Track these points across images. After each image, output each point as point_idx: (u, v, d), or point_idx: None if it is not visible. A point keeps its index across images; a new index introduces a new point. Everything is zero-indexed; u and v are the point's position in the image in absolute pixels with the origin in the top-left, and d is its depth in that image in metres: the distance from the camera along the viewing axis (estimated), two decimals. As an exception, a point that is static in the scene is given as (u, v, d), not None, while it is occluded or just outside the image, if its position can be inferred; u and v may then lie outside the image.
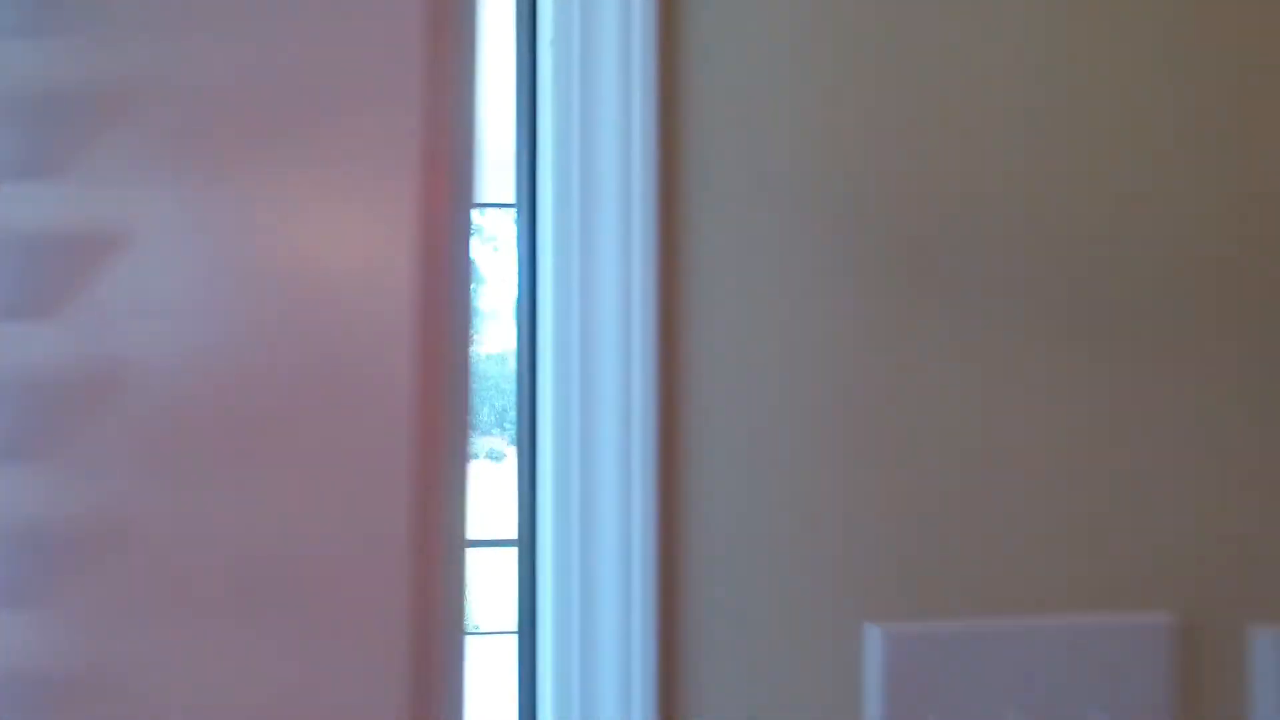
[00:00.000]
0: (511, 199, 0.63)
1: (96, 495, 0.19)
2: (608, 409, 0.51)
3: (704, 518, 0.47)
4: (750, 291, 0.48)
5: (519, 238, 0.60)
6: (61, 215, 0.19)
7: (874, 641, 0.46)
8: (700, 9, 0.48)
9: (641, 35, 0.51)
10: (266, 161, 0.20)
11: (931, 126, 0.48)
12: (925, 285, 0.47)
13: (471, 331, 0.22)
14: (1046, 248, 0.47)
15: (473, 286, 0.21)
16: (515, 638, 0.66)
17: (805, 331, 0.47)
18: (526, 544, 0.64)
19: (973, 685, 0.47)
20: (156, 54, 0.20)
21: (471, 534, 0.21)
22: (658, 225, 0.49)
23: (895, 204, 0.48)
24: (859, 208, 0.48)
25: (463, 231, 0.21)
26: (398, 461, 0.19)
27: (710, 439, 0.48)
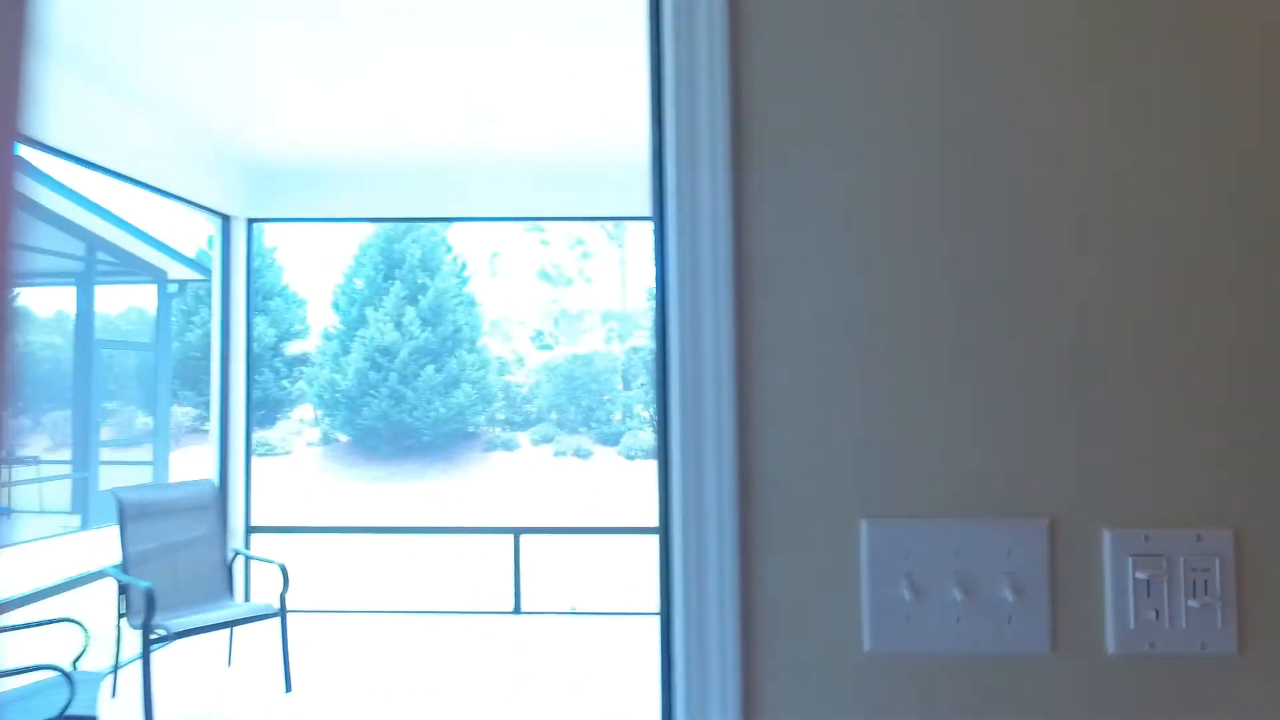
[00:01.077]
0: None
1: None
2: (706, 403, 0.80)
3: (766, 468, 0.78)
4: (800, 279, 0.79)
5: (655, 249, 0.82)
6: None
7: (865, 532, 0.77)
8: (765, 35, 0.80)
9: (720, 61, 0.78)
10: None
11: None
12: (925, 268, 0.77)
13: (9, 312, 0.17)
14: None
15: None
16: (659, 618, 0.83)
17: (838, 312, 0.78)
18: (664, 532, 0.81)
19: (928, 564, 0.76)
20: None
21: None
22: (733, 239, 0.79)
23: (931, 202, 0.78)
24: (889, 219, 0.78)
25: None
26: None
27: (772, 417, 0.79)
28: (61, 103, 3.69)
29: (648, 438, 18.07)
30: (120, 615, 3.82)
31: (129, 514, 3.99)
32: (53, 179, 9.47)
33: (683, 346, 0.79)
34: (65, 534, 9.66)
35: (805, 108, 0.78)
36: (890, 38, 0.78)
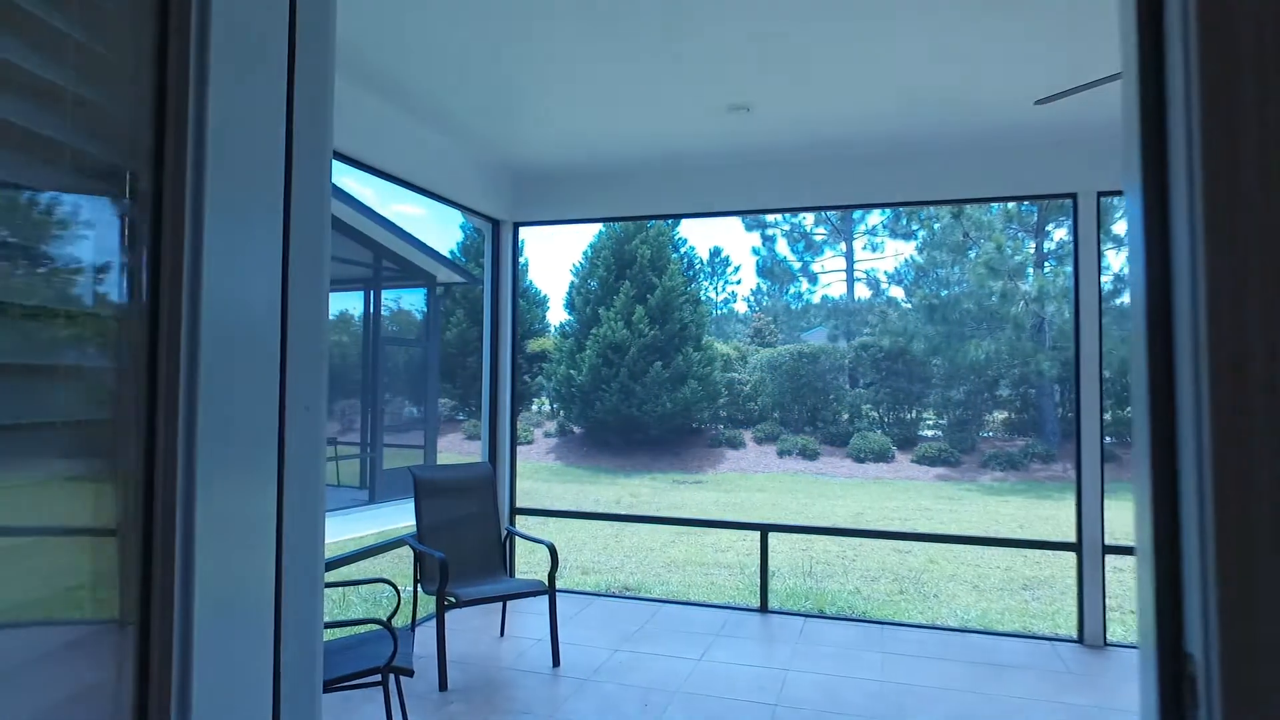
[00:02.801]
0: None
1: None
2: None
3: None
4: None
5: (1140, 227, 0.69)
6: None
7: None
8: None
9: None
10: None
11: None
12: None
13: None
14: None
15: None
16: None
17: None
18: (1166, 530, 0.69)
19: None
20: None
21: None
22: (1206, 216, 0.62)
23: None
24: None
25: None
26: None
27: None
28: (365, 119, 4.18)
29: (880, 440, 17.23)
30: (416, 581, 4.26)
31: (423, 490, 4.44)
32: (349, 195, 10.95)
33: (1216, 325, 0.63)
34: (358, 507, 11.13)
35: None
36: None
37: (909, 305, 22.67)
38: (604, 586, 6.58)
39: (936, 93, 3.91)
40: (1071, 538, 4.60)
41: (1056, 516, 11.23)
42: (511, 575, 5.17)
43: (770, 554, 5.29)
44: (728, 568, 7.57)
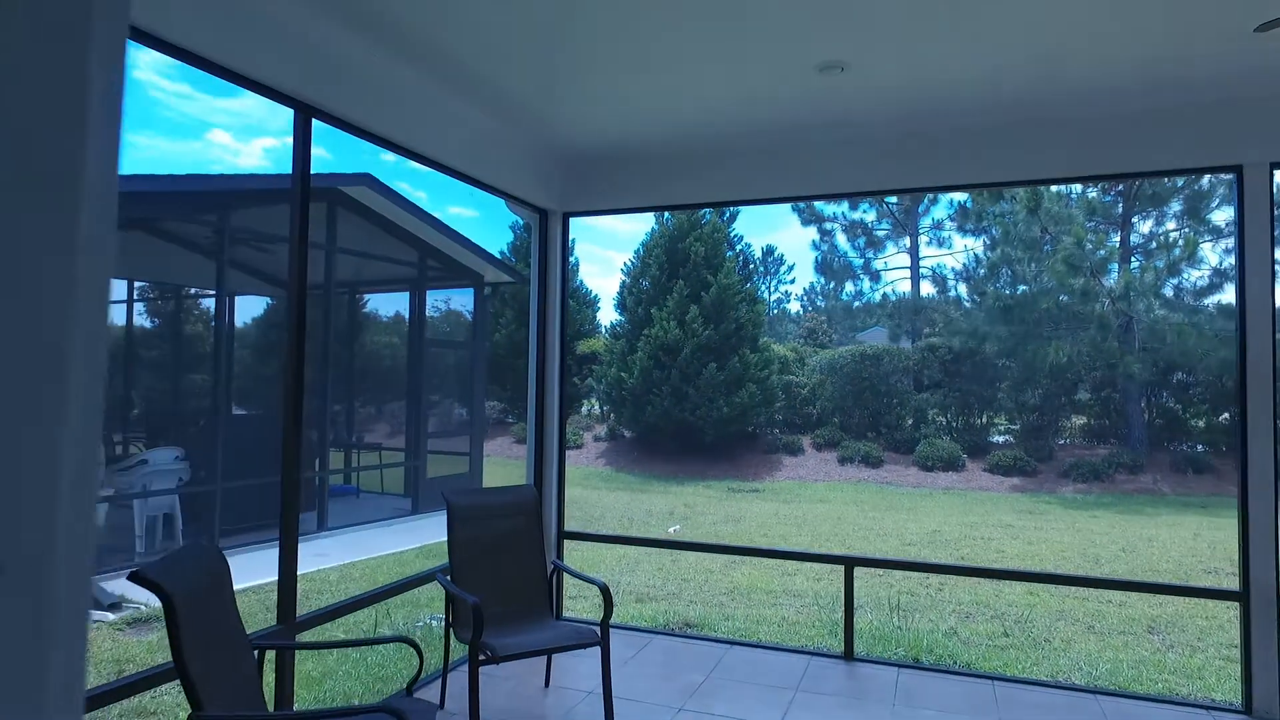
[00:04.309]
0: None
1: None
2: None
3: None
4: None
5: None
6: None
7: None
8: None
9: None
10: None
11: None
12: None
13: None
14: None
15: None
16: None
17: None
18: None
19: None
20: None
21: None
22: None
23: None
24: None
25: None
26: None
27: None
28: (395, 93, 3.61)
29: (949, 447, 16.18)
30: (448, 624, 3.68)
31: (457, 517, 3.86)
32: (393, 190, 10.52)
33: None
34: (401, 518, 10.69)
35: None
36: None
37: (971, 304, 21.47)
38: (662, 620, 5.92)
39: (1075, 44, 3.15)
40: (1210, 574, 3.77)
41: (1159, 538, 10.13)
42: (558, 616, 4.55)
43: (860, 587, 4.57)
44: (798, 596, 6.83)
